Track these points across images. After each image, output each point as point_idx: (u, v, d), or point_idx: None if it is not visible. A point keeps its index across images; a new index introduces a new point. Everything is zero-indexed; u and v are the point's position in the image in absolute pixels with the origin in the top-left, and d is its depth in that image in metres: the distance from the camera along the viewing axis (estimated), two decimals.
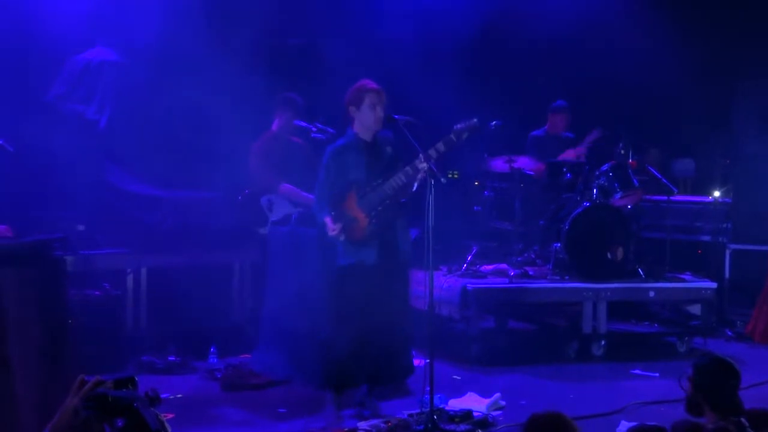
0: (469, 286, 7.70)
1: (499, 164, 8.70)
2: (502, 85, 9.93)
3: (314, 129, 7.40)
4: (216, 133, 7.88)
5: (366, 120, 5.80)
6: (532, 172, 8.85)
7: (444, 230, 7.42)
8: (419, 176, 5.56)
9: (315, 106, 7.81)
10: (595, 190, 8.40)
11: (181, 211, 7.91)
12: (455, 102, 9.26)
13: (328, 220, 5.81)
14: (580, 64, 9.75)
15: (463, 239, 8.93)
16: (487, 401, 6.21)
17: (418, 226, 7.90)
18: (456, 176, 5.80)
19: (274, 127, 7.69)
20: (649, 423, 4.16)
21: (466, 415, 5.88)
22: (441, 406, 5.95)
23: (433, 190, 5.48)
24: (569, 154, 9.14)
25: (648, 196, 9.24)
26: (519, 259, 8.50)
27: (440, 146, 5.58)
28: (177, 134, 7.82)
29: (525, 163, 8.74)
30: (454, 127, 5.65)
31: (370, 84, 5.86)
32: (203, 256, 7.96)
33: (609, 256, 8.10)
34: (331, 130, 7.14)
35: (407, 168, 5.66)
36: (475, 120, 5.60)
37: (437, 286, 7.57)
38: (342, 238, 5.80)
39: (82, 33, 7.74)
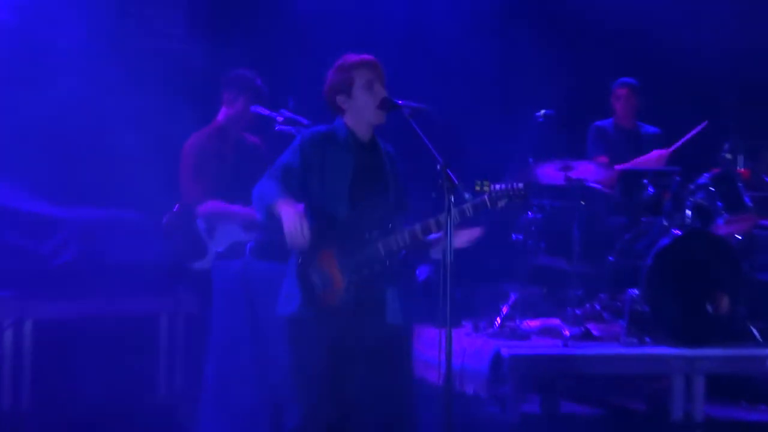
0: (505, 352, 7.68)
1: (549, 172, 8.59)
2: (558, 60, 9.97)
3: (280, 119, 7.39)
4: (134, 128, 8.05)
5: (363, 107, 5.82)
6: (597, 185, 8.81)
7: (468, 268, 7.53)
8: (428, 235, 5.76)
9: (281, 84, 7.85)
10: (689, 212, 8.40)
11: (84, 238, 8.03)
12: (489, 84, 9.61)
13: (285, 207, 5.62)
14: (668, 38, 9.92)
15: (496, 282, 9.01)
16: None
17: (430, 262, 8.36)
18: (487, 189, 5.75)
19: (221, 117, 7.74)
20: None
21: None
22: None
23: (452, 210, 5.51)
24: (654, 157, 9.13)
25: (766, 221, 9.09)
26: (578, 311, 8.46)
27: (468, 208, 5.71)
28: (77, 131, 7.99)
29: (588, 170, 8.63)
30: (493, 186, 5.76)
31: (358, 56, 5.88)
32: (116, 303, 8.06)
33: (709, 308, 8.12)
34: (305, 121, 7.22)
35: (417, 226, 5.75)
36: (522, 186, 5.74)
37: (458, 350, 7.63)
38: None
39: None
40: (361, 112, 5.82)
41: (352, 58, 5.86)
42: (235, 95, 7.66)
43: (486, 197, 5.72)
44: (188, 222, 7.54)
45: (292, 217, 5.59)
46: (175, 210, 7.65)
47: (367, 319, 5.79)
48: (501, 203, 5.75)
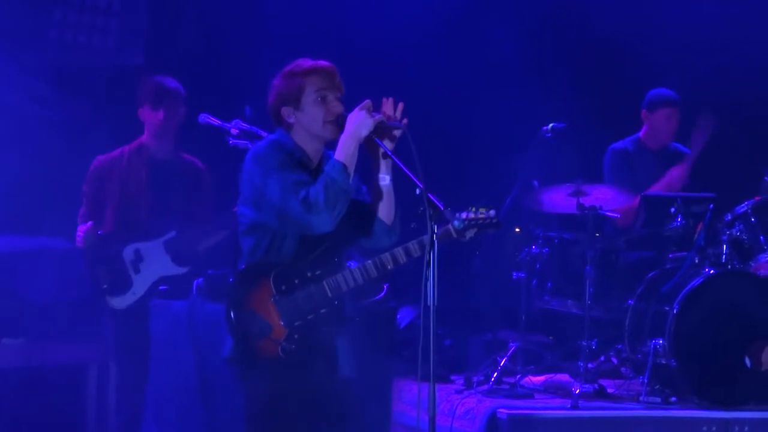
0: (503, 413, 7.47)
1: (558, 198, 8.41)
2: (570, 65, 10.05)
3: (234, 131, 7.22)
4: (60, 142, 8.11)
5: (312, 122, 5.68)
6: (615, 214, 8.48)
7: (458, 313, 8.01)
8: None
9: (236, 90, 8.04)
10: (725, 247, 8.14)
11: None
12: (487, 94, 9.68)
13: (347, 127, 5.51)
14: (695, 44, 9.88)
15: (492, 330, 8.84)
16: None
17: (412, 304, 8.11)
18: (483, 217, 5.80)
19: (144, 135, 7.86)
20: None
21: None
22: None
23: (435, 242, 5.30)
24: (674, 177, 8.95)
25: None
26: (591, 365, 8.22)
27: (428, 239, 5.45)
28: None
29: (604, 196, 8.41)
30: (458, 215, 5.65)
31: (311, 61, 5.75)
32: (36, 350, 8.03)
33: (748, 362, 7.86)
34: (264, 133, 6.94)
35: (368, 263, 5.67)
36: (493, 212, 5.68)
37: (446, 410, 7.59)
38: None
39: None
40: (310, 127, 5.71)
41: (304, 63, 5.75)
42: (148, 109, 7.75)
43: (450, 226, 5.64)
44: (113, 249, 7.59)
45: (353, 115, 5.53)
46: (99, 234, 7.60)
47: (316, 372, 5.68)
48: (469, 233, 5.68)
